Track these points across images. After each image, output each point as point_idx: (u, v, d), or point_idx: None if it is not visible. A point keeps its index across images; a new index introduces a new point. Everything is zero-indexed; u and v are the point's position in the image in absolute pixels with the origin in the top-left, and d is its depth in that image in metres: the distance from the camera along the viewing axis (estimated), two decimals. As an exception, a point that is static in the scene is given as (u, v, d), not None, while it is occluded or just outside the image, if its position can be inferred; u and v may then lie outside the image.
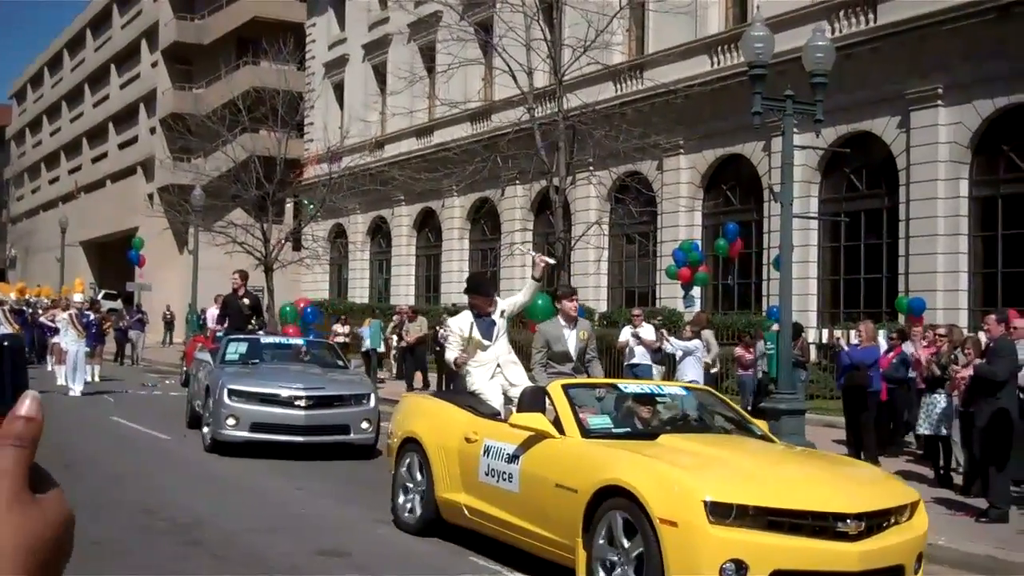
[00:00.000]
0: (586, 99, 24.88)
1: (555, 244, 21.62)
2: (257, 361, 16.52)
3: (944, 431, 13.56)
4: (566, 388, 8.81)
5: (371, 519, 10.55)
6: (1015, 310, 13.75)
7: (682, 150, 32.20)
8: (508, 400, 9.94)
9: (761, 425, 9.47)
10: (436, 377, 26.20)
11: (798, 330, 19.42)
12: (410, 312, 29.06)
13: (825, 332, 22.00)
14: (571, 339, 11.08)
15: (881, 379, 16.10)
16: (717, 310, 30.26)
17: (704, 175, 32.35)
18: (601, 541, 7.33)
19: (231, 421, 14.49)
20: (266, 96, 35.49)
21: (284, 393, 14.65)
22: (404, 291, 45.70)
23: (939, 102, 25.32)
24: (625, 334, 19.12)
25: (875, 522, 7.18)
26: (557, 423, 8.25)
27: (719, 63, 30.96)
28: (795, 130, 18.28)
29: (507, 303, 10.60)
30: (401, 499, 10.01)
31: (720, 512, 6.78)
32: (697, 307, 24.70)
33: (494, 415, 9.59)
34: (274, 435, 14.48)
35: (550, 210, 21.84)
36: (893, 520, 7.36)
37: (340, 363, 17.38)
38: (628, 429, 8.83)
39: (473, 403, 9.83)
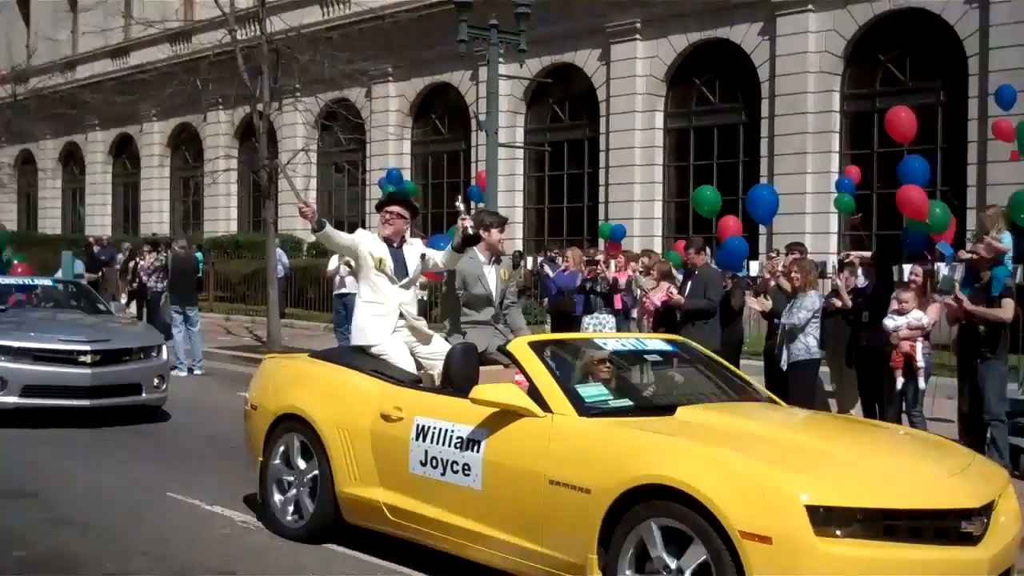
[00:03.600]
0: (291, 22, 24.17)
1: (260, 172, 20.98)
2: (3, 307, 13.75)
3: None
4: (537, 348, 6.64)
5: (238, 522, 7.79)
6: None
7: (391, 78, 31.99)
8: (418, 365, 7.81)
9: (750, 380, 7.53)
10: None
11: (518, 258, 19.73)
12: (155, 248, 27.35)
13: (529, 260, 22.53)
14: (492, 278, 9.05)
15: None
16: (426, 237, 30.36)
17: (413, 103, 32.30)
18: (630, 560, 5.46)
19: (-6, 385, 11.65)
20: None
21: (64, 348, 11.96)
22: (100, 221, 43.51)
23: (637, 36, 26.23)
24: (334, 262, 18.83)
25: (990, 517, 5.46)
26: (536, 397, 6.14)
27: (427, -10, 30.81)
28: (501, 60, 18.44)
29: (429, 251, 8.35)
30: (277, 497, 7.49)
31: (828, 519, 4.98)
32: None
33: (416, 382, 7.40)
34: (53, 399, 11.78)
35: (255, 137, 21.14)
36: (997, 510, 5.59)
37: (102, 307, 14.86)
38: (632, 402, 6.56)
39: (379, 367, 7.44)
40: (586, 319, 13.84)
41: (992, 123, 14.83)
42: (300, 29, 23.15)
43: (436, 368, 7.63)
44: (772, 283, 11.95)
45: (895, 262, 13.53)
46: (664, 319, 11.94)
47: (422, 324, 7.97)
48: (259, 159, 21.00)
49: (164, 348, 12.91)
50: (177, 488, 8.69)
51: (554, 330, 15.97)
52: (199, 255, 20.32)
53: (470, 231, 8.12)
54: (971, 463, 5.91)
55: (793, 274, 10.98)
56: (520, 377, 6.52)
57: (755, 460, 5.34)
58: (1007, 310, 9.54)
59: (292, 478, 7.44)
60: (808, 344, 10.69)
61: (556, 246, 21.45)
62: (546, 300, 16.71)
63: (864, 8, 22.62)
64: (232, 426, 12.06)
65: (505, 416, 6.15)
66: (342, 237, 7.98)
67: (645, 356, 7.25)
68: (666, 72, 26.10)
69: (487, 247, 9.02)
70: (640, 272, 14.15)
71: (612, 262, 14.97)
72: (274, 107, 21.99)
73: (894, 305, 10.38)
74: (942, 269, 13.75)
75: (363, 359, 7.60)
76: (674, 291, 11.67)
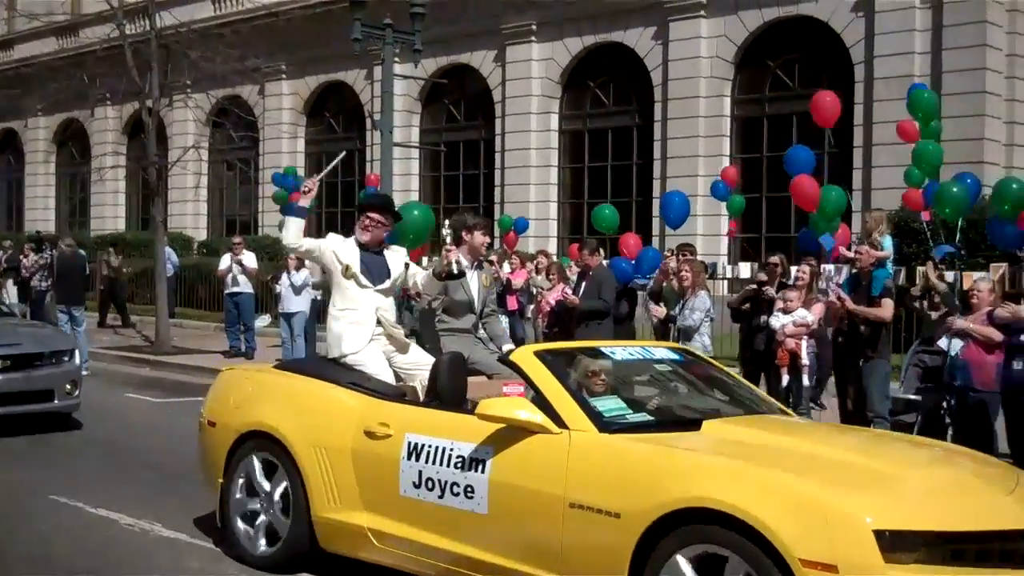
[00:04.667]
0: (182, 17, 23.75)
1: (149, 169, 20.58)
2: None
3: None
4: (544, 357, 6.10)
5: (207, 549, 7.01)
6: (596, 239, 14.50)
7: (284, 75, 31.68)
8: (396, 376, 7.15)
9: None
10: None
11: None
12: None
13: (426, 259, 22.49)
14: (475, 284, 8.29)
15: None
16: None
17: (307, 101, 32.03)
18: None
19: None
20: None
21: None
22: (-18, 219, 42.28)
23: (533, 38, 26.38)
24: (226, 261, 18.56)
25: None
26: (548, 411, 5.60)
27: (321, -12, 30.56)
28: (396, 59, 18.38)
29: (413, 267, 7.70)
30: (240, 525, 6.77)
31: (895, 545, 4.58)
32: None
33: (400, 396, 6.77)
34: None
35: (144, 133, 20.71)
36: None
37: (5, 310, 14.43)
38: (652, 416, 6.03)
39: (356, 379, 6.81)
40: None
41: (897, 125, 15.20)
42: (191, 25, 22.78)
43: (416, 379, 7.06)
44: (665, 283, 12.10)
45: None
46: (558, 319, 12.03)
47: (400, 332, 7.36)
48: (148, 156, 20.59)
49: (76, 352, 12.13)
50: (62, 491, 8.46)
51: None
52: (83, 253, 19.77)
53: (455, 270, 7.38)
54: (1019, 479, 5.50)
55: (683, 274, 11.15)
56: (508, 388, 6.11)
57: (812, 481, 4.88)
58: (887, 310, 9.81)
59: (259, 504, 6.70)
60: (704, 343, 10.87)
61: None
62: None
63: (754, 15, 23.06)
64: (119, 426, 11.90)
65: (514, 433, 5.59)
66: (306, 242, 7.42)
67: (655, 365, 6.74)
68: (561, 74, 26.28)
69: (470, 251, 8.29)
70: (535, 273, 14.23)
71: (506, 262, 15.01)
72: (164, 103, 21.61)
73: (779, 304, 10.58)
74: (828, 269, 14.07)
75: (337, 370, 6.94)
76: (569, 291, 11.77)
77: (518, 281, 14.28)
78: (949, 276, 12.66)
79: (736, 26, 23.34)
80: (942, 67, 20.57)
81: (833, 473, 5.05)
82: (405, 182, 28.85)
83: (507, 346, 7.92)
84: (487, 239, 8.54)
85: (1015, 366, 8.67)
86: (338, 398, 6.59)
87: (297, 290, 16.53)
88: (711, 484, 4.90)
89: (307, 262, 17.81)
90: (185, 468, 8.60)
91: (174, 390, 15.04)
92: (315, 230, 30.49)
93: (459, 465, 5.76)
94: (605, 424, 5.55)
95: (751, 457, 5.18)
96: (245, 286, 18.35)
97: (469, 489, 5.71)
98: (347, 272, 7.19)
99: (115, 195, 37.53)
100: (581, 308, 11.45)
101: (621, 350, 6.65)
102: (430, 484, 5.87)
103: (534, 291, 13.74)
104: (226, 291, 18.57)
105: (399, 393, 6.82)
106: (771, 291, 10.86)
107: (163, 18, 21.71)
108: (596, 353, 6.51)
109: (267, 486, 6.65)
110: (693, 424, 5.73)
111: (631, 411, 5.92)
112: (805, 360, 10.28)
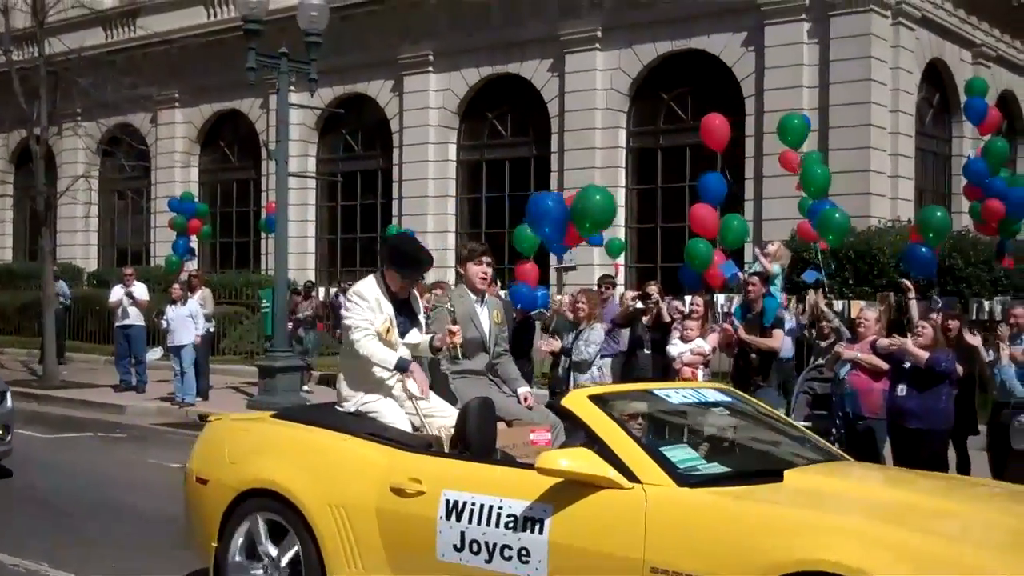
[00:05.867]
0: (72, 44, 23.29)
1: (37, 198, 20.10)
2: None
3: None
4: (600, 401, 5.51)
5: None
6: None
7: (178, 103, 31.23)
8: (414, 426, 6.41)
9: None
10: None
11: (309, 289, 19.55)
12: None
13: (322, 290, 22.33)
14: (484, 319, 7.38)
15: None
16: (215, 269, 29.75)
17: (201, 130, 31.61)
18: None
19: None
20: None
21: None
22: None
23: (430, 68, 26.42)
24: (117, 293, 18.20)
25: None
26: (614, 463, 5.02)
27: (215, 15, 30.23)
28: (292, 88, 18.27)
29: (420, 333, 6.82)
30: None
31: None
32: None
33: (426, 447, 6.05)
34: None
35: (31, 162, 20.24)
36: None
37: None
38: (727, 467, 5.49)
39: (370, 428, 6.15)
40: None
41: (779, 155, 15.54)
42: (81, 51, 22.33)
43: (434, 427, 6.35)
44: (558, 315, 12.17)
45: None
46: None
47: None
48: (36, 185, 20.12)
49: (8, 395, 11.07)
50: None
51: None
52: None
53: (458, 354, 6.84)
54: None
55: (580, 305, 11.16)
56: (535, 436, 5.78)
57: (935, 538, 4.39)
58: (777, 339, 10.02)
59: (262, 570, 6.00)
60: (594, 376, 10.87)
61: (350, 277, 21.31)
62: (339, 331, 16.55)
63: (648, 48, 23.42)
64: (8, 463, 11.52)
65: (575, 488, 5.00)
66: (413, 338, 6.65)
67: (713, 409, 6.21)
68: (459, 105, 26.36)
69: (468, 283, 7.42)
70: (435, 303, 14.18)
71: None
72: (52, 131, 21.14)
73: (677, 332, 10.73)
74: (720, 300, 14.33)
75: (347, 420, 6.29)
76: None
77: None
78: (838, 305, 12.98)
79: (631, 59, 23.68)
80: (829, 100, 21.13)
81: (949, 528, 4.63)
82: (301, 212, 28.64)
83: (522, 389, 7.18)
84: (484, 268, 7.36)
85: (899, 392, 8.91)
86: (357, 451, 5.91)
87: (183, 322, 16.26)
88: (827, 545, 4.34)
89: (200, 293, 17.57)
90: (83, 507, 8.38)
91: (63, 426, 14.66)
92: (209, 262, 30.17)
93: (510, 525, 5.14)
94: (682, 477, 4.99)
95: (861, 512, 4.73)
96: (136, 318, 18.01)
97: (524, 552, 5.10)
98: (387, 334, 6.42)
99: (1, 224, 36.58)
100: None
101: (675, 392, 6.12)
102: (475, 547, 5.24)
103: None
104: (117, 323, 18.20)
105: (425, 444, 6.10)
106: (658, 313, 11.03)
107: (52, 44, 21.30)
108: (651, 396, 6.11)
109: (273, 551, 5.93)
110: (774, 475, 5.17)
111: (703, 461, 5.39)
112: (700, 389, 10.40)
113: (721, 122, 14.78)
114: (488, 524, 5.21)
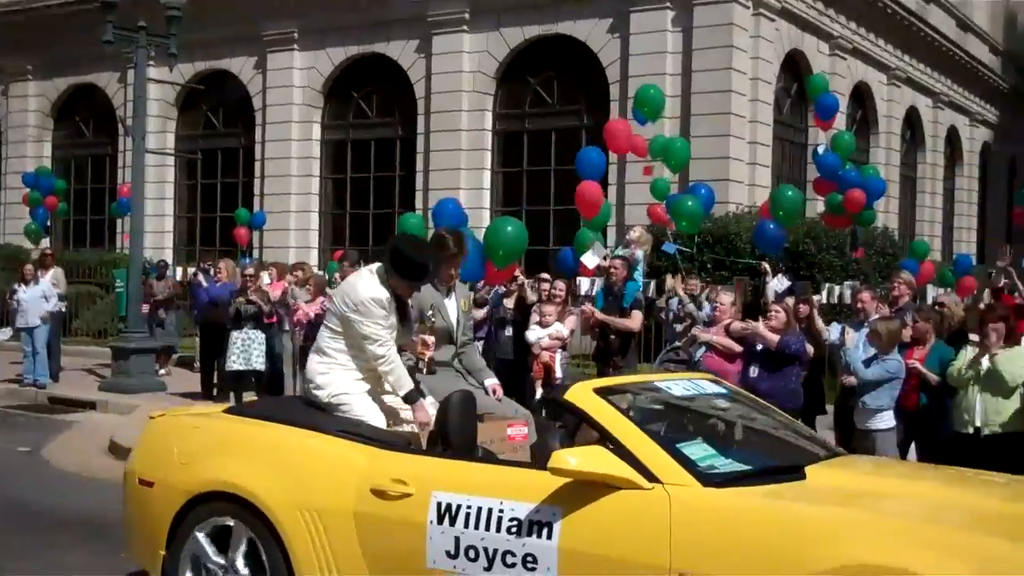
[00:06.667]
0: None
1: None
2: None
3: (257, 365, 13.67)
4: (606, 395, 5.15)
5: None
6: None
7: (30, 76, 30.21)
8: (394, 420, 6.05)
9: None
10: None
11: (164, 268, 19.08)
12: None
13: (180, 270, 21.86)
14: (452, 310, 6.93)
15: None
16: (68, 246, 28.88)
17: (55, 104, 30.61)
18: None
19: None
20: None
21: None
22: None
23: (295, 46, 26.05)
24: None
25: None
26: (630, 461, 4.67)
27: (71, -15, 29.29)
28: (151, 63, 17.81)
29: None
30: None
31: None
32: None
33: (405, 444, 5.58)
34: None
35: None
36: None
37: None
38: (747, 465, 5.07)
39: (341, 424, 5.67)
40: (234, 334, 13.54)
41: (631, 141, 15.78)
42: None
43: (400, 417, 6.04)
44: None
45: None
46: (315, 331, 11.90)
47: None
48: None
49: None
50: None
51: (205, 341, 15.53)
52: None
53: (412, 360, 6.42)
54: None
55: None
56: (512, 431, 5.51)
57: (985, 537, 4.18)
58: (635, 320, 10.20)
59: None
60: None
61: (209, 256, 20.92)
62: (196, 312, 16.23)
63: (516, 32, 23.50)
64: None
65: (587, 490, 4.64)
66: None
67: (714, 401, 5.86)
68: (324, 83, 26.06)
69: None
70: (295, 284, 14.04)
71: (264, 274, 14.77)
72: None
73: (536, 317, 10.82)
74: (583, 284, 14.50)
75: (315, 415, 5.78)
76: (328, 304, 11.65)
77: (275, 293, 14.05)
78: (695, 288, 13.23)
79: (498, 42, 23.72)
80: (692, 88, 21.53)
81: (996, 527, 4.34)
82: (160, 190, 28.01)
83: (489, 381, 6.75)
84: (452, 262, 6.86)
85: (751, 373, 9.14)
86: (331, 450, 5.41)
87: (36, 302, 15.71)
88: (873, 547, 4.13)
89: (53, 272, 17.01)
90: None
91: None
92: (64, 238, 29.25)
93: (514, 530, 4.76)
94: (705, 476, 4.65)
95: (901, 511, 4.52)
96: (35, 320, 17.31)
97: (529, 559, 4.72)
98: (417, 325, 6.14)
99: None
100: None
101: (676, 384, 5.76)
102: (472, 553, 4.84)
103: (290, 302, 13.58)
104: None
105: (405, 441, 5.63)
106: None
107: None
108: (654, 389, 5.81)
109: (238, 562, 5.39)
110: (796, 471, 4.92)
111: (720, 458, 5.01)
112: (559, 372, 10.55)
113: (624, 125, 15.01)
114: (488, 528, 4.83)
